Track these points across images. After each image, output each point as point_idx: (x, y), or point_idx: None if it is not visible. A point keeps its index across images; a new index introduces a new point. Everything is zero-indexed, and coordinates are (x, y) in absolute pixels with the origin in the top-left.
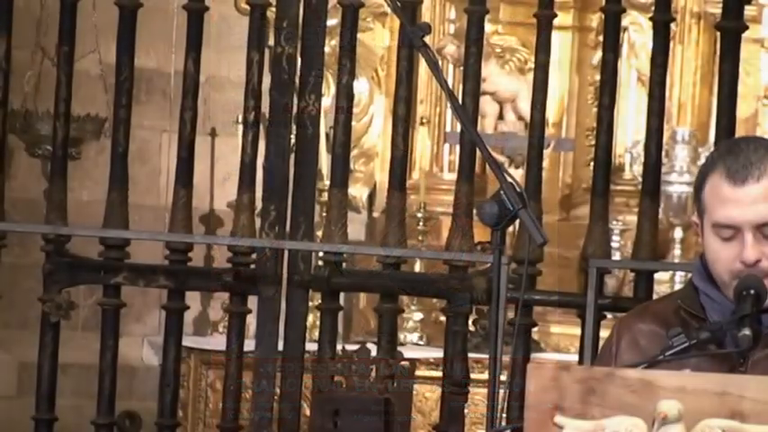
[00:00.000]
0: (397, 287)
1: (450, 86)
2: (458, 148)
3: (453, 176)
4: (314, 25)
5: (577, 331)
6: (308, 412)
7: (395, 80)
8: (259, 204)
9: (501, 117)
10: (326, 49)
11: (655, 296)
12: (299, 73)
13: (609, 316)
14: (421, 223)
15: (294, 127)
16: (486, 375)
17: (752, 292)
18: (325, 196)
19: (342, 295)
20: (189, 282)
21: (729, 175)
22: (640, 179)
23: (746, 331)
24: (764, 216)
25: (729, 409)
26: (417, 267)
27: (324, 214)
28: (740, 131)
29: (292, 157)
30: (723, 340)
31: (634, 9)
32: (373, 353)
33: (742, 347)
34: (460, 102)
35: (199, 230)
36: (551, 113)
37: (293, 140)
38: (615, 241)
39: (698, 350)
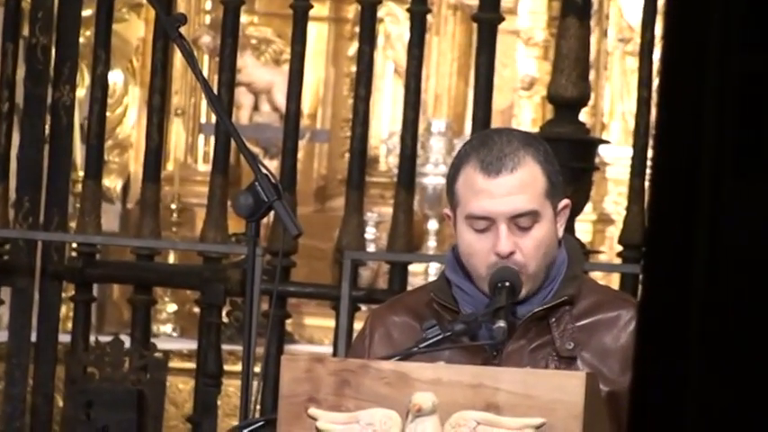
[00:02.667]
0: (151, 279)
1: (206, 77)
2: (213, 139)
3: (208, 168)
4: (69, 16)
5: (332, 323)
6: (61, 403)
7: (150, 71)
8: (13, 195)
9: (256, 108)
10: (81, 40)
11: (409, 288)
12: (53, 63)
13: (363, 308)
14: (175, 214)
15: (48, 117)
16: (239, 367)
17: (507, 284)
18: (79, 187)
19: (95, 286)
20: None
21: (483, 167)
22: (396, 171)
23: (501, 323)
24: (518, 207)
25: (484, 401)
26: (171, 259)
27: (77, 205)
28: (496, 123)
29: (46, 147)
30: (477, 333)
31: (390, 0)
32: (127, 344)
33: (497, 340)
34: (216, 93)
35: None
36: (307, 105)
37: (47, 131)
38: (370, 233)
39: (452, 342)
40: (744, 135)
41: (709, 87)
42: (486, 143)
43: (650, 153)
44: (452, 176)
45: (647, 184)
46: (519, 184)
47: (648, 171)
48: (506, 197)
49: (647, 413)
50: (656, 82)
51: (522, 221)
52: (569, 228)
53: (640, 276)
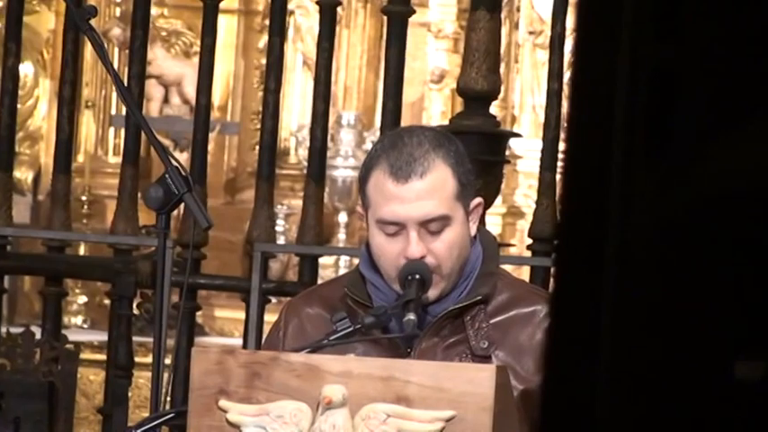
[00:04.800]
0: (62, 270)
1: (116, 69)
2: (123, 131)
3: (118, 160)
4: None
5: (242, 315)
6: None
7: (60, 63)
8: None
9: (166, 101)
10: None
11: (319, 280)
12: None
13: (273, 300)
14: (86, 206)
15: None
16: (150, 359)
17: (417, 276)
18: None
19: (6, 278)
20: None
21: (393, 171)
22: (306, 163)
23: (411, 316)
24: (428, 213)
25: (395, 393)
26: (82, 251)
27: None
28: (406, 116)
29: None
30: (389, 327)
31: None
32: (38, 336)
33: (407, 332)
34: (126, 85)
35: None
36: (217, 97)
37: None
38: (280, 225)
39: (363, 335)
40: (654, 126)
41: (620, 79)
42: (397, 145)
43: (561, 146)
44: (363, 178)
45: (557, 176)
46: (429, 189)
47: (559, 164)
48: (416, 202)
49: (557, 411)
50: (566, 74)
51: (432, 226)
52: (481, 221)
53: (552, 270)
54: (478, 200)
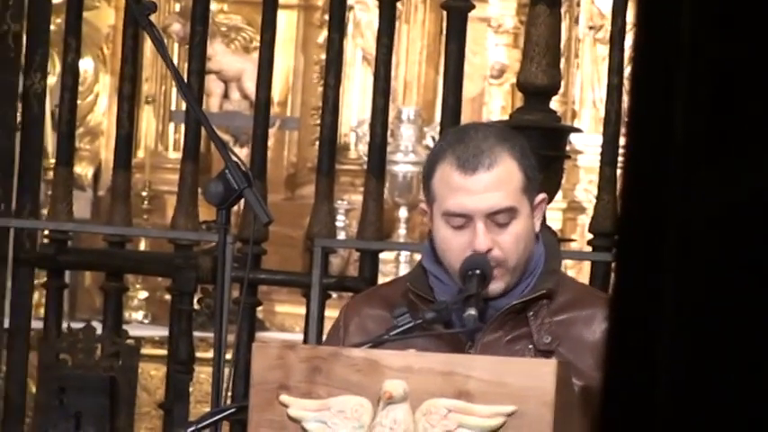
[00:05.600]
0: (123, 266)
1: (176, 65)
2: (183, 126)
3: (178, 155)
4: (39, 3)
5: (302, 311)
6: (34, 390)
7: (120, 59)
8: None
9: (226, 96)
10: (52, 28)
11: (380, 276)
12: (24, 51)
13: (334, 295)
14: (146, 202)
15: (20, 105)
16: (211, 354)
17: (477, 272)
18: (50, 174)
19: (67, 273)
20: None
21: (460, 163)
22: (366, 158)
23: (472, 311)
24: (495, 204)
25: (455, 388)
26: (143, 246)
27: (49, 192)
28: (466, 111)
29: (18, 135)
30: (450, 322)
31: None
32: (99, 331)
33: (468, 327)
34: (186, 80)
35: None
36: (277, 92)
37: (19, 119)
38: (340, 221)
39: (424, 330)
40: (715, 124)
41: (681, 74)
42: (463, 139)
43: (622, 141)
44: (428, 172)
45: (618, 172)
46: (496, 181)
47: (620, 159)
48: (483, 194)
49: (617, 409)
50: (627, 69)
51: (499, 218)
52: (542, 218)
53: (612, 266)
54: (543, 195)
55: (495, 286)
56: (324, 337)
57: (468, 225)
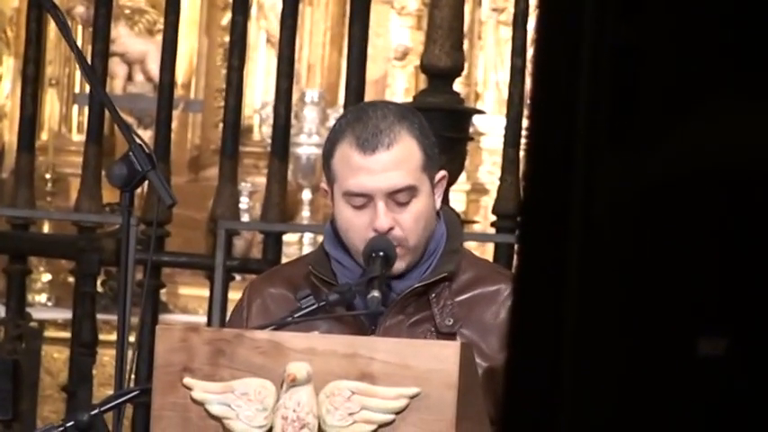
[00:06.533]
0: (26, 248)
1: (80, 48)
2: (87, 109)
3: (82, 138)
4: None
5: (206, 293)
6: None
7: (24, 41)
8: None
9: (130, 78)
10: None
11: (283, 258)
12: None
13: (237, 277)
14: (50, 184)
15: None
16: (114, 336)
17: (381, 253)
18: None
19: None
20: None
21: (359, 143)
22: (269, 141)
23: (375, 293)
24: (396, 183)
25: (359, 370)
26: (46, 228)
27: None
28: (370, 93)
29: None
30: (353, 304)
31: None
32: (1, 314)
33: (371, 309)
34: (89, 63)
35: None
36: (180, 75)
37: None
38: (244, 203)
39: (327, 313)
40: (618, 104)
41: (583, 57)
42: (362, 118)
43: (525, 123)
44: (328, 152)
45: (521, 153)
46: (395, 160)
47: (523, 141)
48: (383, 173)
49: (521, 389)
50: (530, 51)
51: (399, 197)
52: (444, 198)
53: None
54: (443, 173)
55: (397, 265)
56: (227, 319)
57: (368, 205)
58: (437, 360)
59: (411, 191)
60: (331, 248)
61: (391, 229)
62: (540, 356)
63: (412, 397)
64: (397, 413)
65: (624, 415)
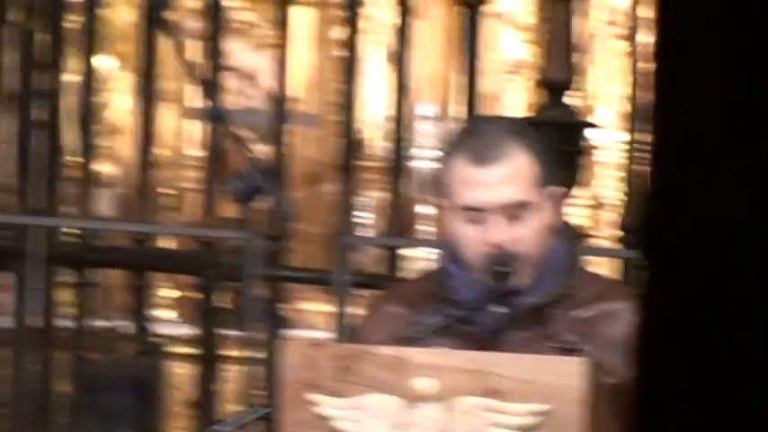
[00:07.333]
0: (148, 264)
1: (193, 62)
2: (203, 124)
3: (199, 153)
4: (56, 1)
5: (327, 308)
6: (64, 388)
7: (138, 56)
8: (5, 181)
9: (244, 93)
10: (69, 25)
11: (402, 272)
12: (41, 49)
13: (358, 292)
14: (169, 199)
15: (38, 102)
16: (239, 352)
17: (502, 269)
18: (72, 172)
19: (93, 271)
20: None
21: (473, 157)
22: (386, 155)
23: (497, 309)
24: (509, 197)
25: (483, 386)
26: (168, 244)
27: (70, 190)
28: (483, 107)
29: (38, 133)
30: (475, 320)
31: None
32: (127, 330)
33: (494, 326)
34: (203, 77)
35: None
36: (295, 89)
37: (38, 117)
38: (362, 217)
39: (450, 329)
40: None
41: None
42: (476, 133)
43: (644, 137)
44: (443, 166)
45: (641, 169)
46: (509, 175)
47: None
48: (497, 187)
49: (651, 405)
50: (644, 65)
51: (514, 211)
52: (561, 213)
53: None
54: (560, 189)
55: (517, 281)
56: (348, 334)
57: (483, 219)
58: (564, 376)
59: (525, 205)
60: (450, 264)
61: (506, 243)
62: (669, 374)
63: (541, 414)
64: (528, 430)
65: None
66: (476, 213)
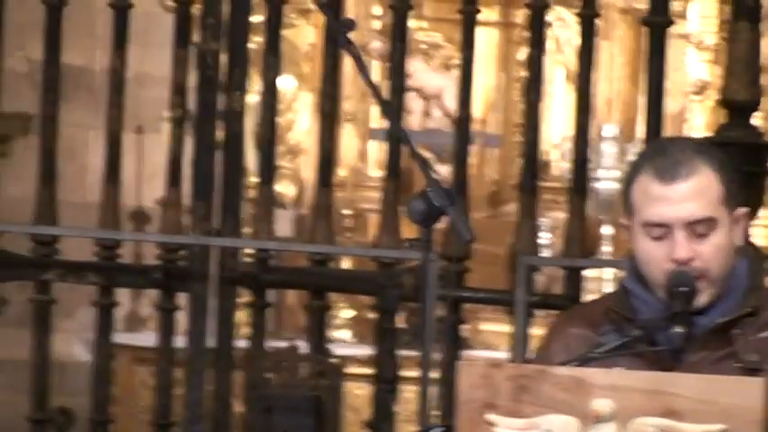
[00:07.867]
0: (326, 284)
1: (376, 83)
2: (384, 144)
3: (380, 173)
4: (239, 22)
5: (507, 329)
6: (239, 409)
7: (320, 76)
8: (187, 201)
9: (427, 113)
10: (251, 46)
11: (584, 293)
12: (224, 70)
13: (539, 313)
14: (348, 220)
15: (220, 124)
16: (416, 373)
17: (684, 289)
18: (252, 193)
19: (271, 292)
20: (118, 278)
21: (658, 173)
22: (568, 176)
23: (679, 329)
24: (694, 214)
25: (662, 406)
26: (345, 264)
27: (251, 211)
28: (668, 128)
29: (219, 153)
30: (655, 340)
31: (559, 4)
32: (303, 350)
33: (675, 345)
34: (386, 98)
35: (127, 227)
36: (477, 110)
37: (219, 137)
38: (544, 238)
39: (629, 349)
40: None
41: None
42: (661, 151)
43: None
44: (628, 185)
45: None
46: (694, 191)
47: None
48: (682, 203)
49: None
50: None
51: (698, 228)
52: (745, 234)
53: None
54: (744, 209)
55: (699, 300)
56: (528, 356)
57: (667, 236)
58: (742, 396)
59: (710, 222)
60: (631, 284)
61: (690, 260)
62: None
63: None
64: None
65: None
66: (660, 230)
